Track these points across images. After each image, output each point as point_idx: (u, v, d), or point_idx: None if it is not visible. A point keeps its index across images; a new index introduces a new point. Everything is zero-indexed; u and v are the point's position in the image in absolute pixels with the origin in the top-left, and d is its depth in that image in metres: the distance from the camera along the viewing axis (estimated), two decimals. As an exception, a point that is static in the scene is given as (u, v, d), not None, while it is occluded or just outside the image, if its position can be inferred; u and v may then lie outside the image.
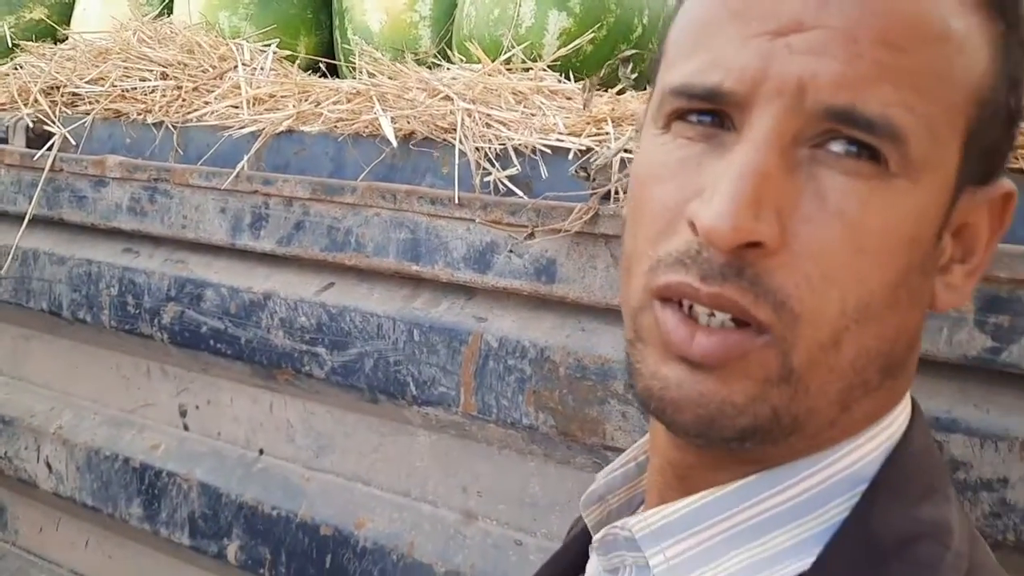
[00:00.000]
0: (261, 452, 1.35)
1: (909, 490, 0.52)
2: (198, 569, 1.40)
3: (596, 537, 0.58)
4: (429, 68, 1.46)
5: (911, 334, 0.52)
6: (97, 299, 1.48)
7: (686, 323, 0.48)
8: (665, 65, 0.53)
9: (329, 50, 1.89)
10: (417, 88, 1.32)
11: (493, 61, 1.36)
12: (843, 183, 0.47)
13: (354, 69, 1.75)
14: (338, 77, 1.79)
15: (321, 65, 1.80)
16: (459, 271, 1.11)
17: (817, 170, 0.47)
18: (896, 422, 0.54)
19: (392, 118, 1.26)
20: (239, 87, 1.53)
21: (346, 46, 1.79)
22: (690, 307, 0.49)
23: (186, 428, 1.44)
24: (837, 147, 0.47)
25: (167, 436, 1.44)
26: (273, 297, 1.28)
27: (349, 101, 1.37)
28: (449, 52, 1.59)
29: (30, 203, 1.55)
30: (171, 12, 1.98)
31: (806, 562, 0.51)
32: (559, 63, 1.38)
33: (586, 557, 0.66)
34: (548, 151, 1.10)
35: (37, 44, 1.91)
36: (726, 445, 0.51)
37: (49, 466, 1.56)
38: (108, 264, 1.47)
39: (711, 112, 0.49)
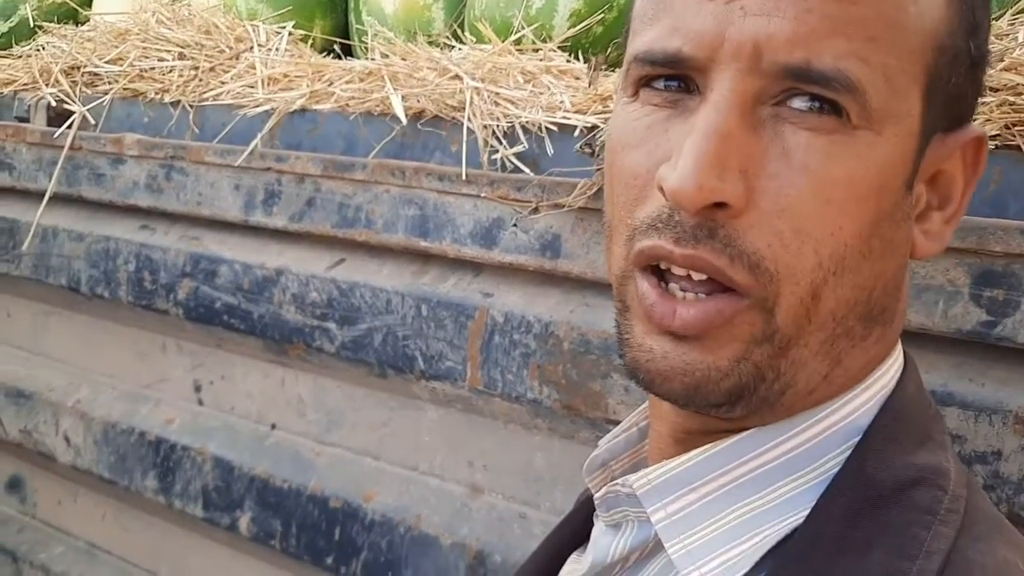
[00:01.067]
0: (273, 426, 1.37)
1: (904, 437, 0.53)
2: (211, 541, 1.43)
3: (598, 495, 0.59)
4: (441, 49, 1.47)
5: (890, 282, 0.53)
6: (115, 275, 1.51)
7: (665, 298, 0.50)
8: (632, 34, 0.54)
9: (344, 32, 1.90)
10: (428, 68, 1.33)
11: (503, 41, 1.37)
12: (806, 138, 0.47)
13: (368, 50, 1.77)
14: (353, 58, 1.81)
15: (336, 47, 1.82)
16: (466, 247, 1.12)
17: (781, 127, 0.48)
18: (888, 373, 0.55)
19: (403, 97, 1.27)
20: (254, 67, 1.55)
21: (360, 27, 1.80)
22: (668, 277, 0.50)
23: (200, 403, 1.47)
24: (798, 103, 0.48)
25: (182, 411, 1.47)
26: (285, 273, 1.30)
27: (361, 81, 1.39)
28: (461, 34, 1.60)
29: (50, 181, 1.58)
30: (190, -5, 2.00)
31: (802, 514, 0.52)
32: (569, 44, 1.39)
33: (591, 524, 0.66)
34: (555, 129, 1.11)
35: (59, 25, 1.94)
36: (715, 410, 0.52)
37: (67, 440, 1.59)
38: (125, 241, 1.49)
39: (675, 77, 0.50)
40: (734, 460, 0.53)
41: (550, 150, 1.10)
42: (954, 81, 0.51)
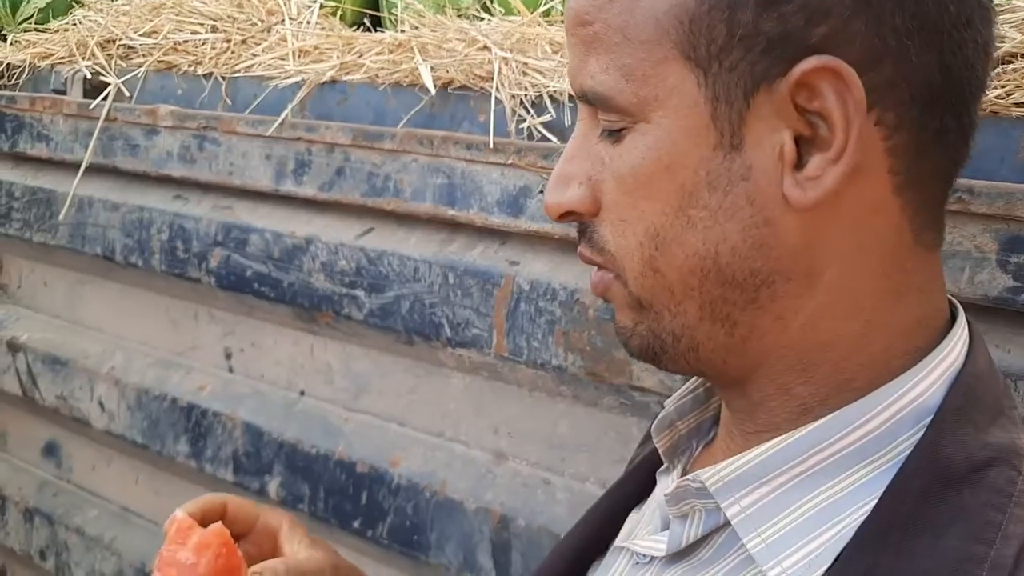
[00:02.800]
0: (302, 393, 1.40)
1: (976, 415, 0.52)
2: (241, 505, 1.45)
3: (667, 491, 0.59)
4: (470, 21, 1.47)
5: (742, 244, 0.52)
6: (148, 244, 1.53)
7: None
8: None
9: (374, 6, 1.91)
10: (457, 39, 1.34)
11: (532, 13, 1.37)
12: (608, 146, 0.56)
13: (397, 23, 1.77)
14: (382, 31, 1.81)
15: (366, 20, 1.83)
16: (493, 215, 1.13)
17: (606, 143, 0.56)
18: (956, 349, 0.54)
19: (431, 67, 1.28)
20: (286, 40, 1.56)
21: (390, 1, 1.81)
22: None
23: (231, 370, 1.49)
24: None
25: (213, 377, 1.50)
26: (315, 241, 1.31)
27: (391, 52, 1.40)
28: (490, 5, 1.60)
29: (86, 151, 1.61)
30: (223, -30, 2.02)
31: (878, 496, 0.51)
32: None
33: (651, 481, 0.68)
34: (582, 98, 1.11)
35: (95, 1, 1.96)
36: (660, 367, 0.59)
37: (102, 405, 1.62)
38: (159, 210, 1.52)
39: None
40: (806, 451, 0.53)
41: (574, 119, 1.11)
42: (743, 32, 0.50)
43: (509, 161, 1.11)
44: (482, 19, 1.50)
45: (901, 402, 0.52)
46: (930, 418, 0.52)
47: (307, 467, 1.33)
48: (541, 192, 1.08)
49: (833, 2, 0.49)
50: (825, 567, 0.51)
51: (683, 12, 0.51)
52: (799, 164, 0.52)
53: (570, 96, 1.12)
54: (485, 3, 1.65)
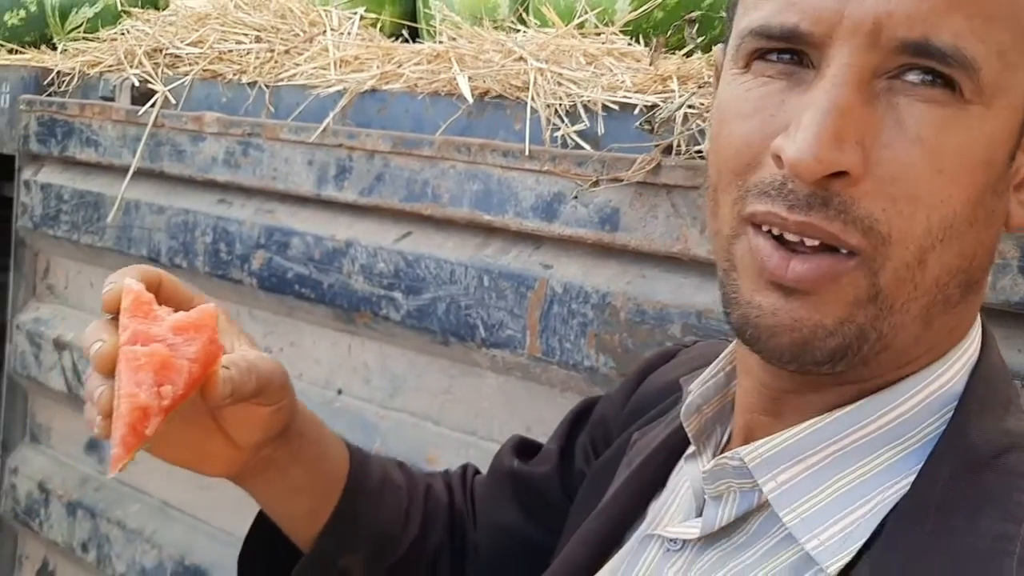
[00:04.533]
0: (340, 391, 1.44)
1: (994, 404, 0.56)
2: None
3: (705, 468, 0.61)
4: (507, 33, 1.52)
5: (988, 252, 0.55)
6: (192, 246, 1.59)
7: (780, 250, 0.52)
8: (743, 8, 0.56)
9: (412, 18, 1.96)
10: (493, 50, 1.38)
11: (567, 25, 1.41)
12: (921, 110, 0.50)
13: (435, 34, 1.82)
14: (421, 42, 1.86)
15: (404, 32, 1.88)
16: (528, 220, 1.17)
17: (895, 99, 0.50)
18: (975, 342, 0.58)
19: (468, 77, 1.32)
20: (327, 50, 1.61)
21: (428, 12, 1.86)
22: (780, 235, 0.52)
23: (271, 369, 1.54)
24: (913, 77, 0.50)
25: (253, 375, 1.54)
26: (354, 245, 1.36)
27: (429, 62, 1.45)
28: (526, 17, 1.64)
29: (134, 156, 1.67)
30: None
31: (907, 480, 0.54)
32: (630, 28, 1.43)
33: (669, 467, 0.70)
34: (616, 107, 1.15)
35: (143, 10, 2.03)
36: (818, 368, 0.54)
37: (145, 401, 1.67)
38: (203, 213, 1.57)
39: (789, 51, 0.53)
40: (843, 431, 0.56)
41: (610, 129, 1.14)
42: None
43: (544, 168, 1.15)
44: (518, 31, 1.54)
45: (929, 389, 0.56)
46: (954, 404, 0.56)
47: (344, 463, 1.37)
48: (575, 198, 1.11)
49: None
50: (861, 542, 0.54)
51: None
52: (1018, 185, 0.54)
53: (604, 106, 1.16)
54: (521, 15, 1.69)
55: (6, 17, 2.60)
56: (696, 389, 0.66)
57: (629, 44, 1.34)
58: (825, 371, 0.54)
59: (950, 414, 0.56)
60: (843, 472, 0.56)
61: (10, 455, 1.97)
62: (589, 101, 1.19)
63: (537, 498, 0.86)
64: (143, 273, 0.70)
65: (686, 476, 0.66)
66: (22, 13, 2.61)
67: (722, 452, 0.64)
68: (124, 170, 1.70)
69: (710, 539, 0.61)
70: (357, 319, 1.36)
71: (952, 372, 0.56)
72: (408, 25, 1.89)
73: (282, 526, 0.83)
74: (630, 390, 0.83)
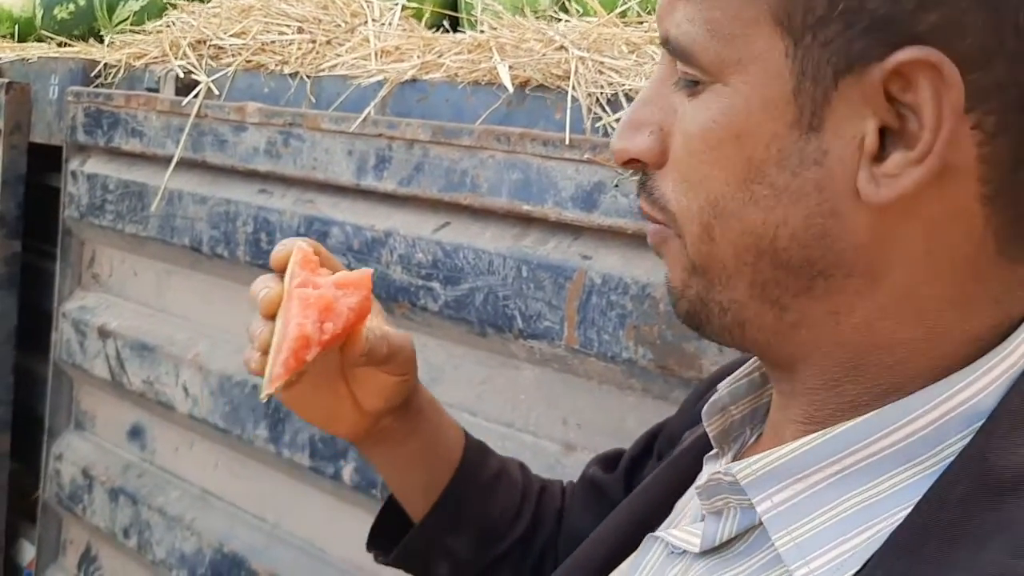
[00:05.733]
0: (377, 382, 1.44)
1: None
2: (315, 488, 1.50)
3: (699, 482, 0.58)
4: (548, 22, 1.50)
5: (806, 230, 0.50)
6: (234, 236, 1.59)
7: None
8: None
9: (453, 7, 1.96)
10: (534, 39, 1.37)
11: (609, 14, 1.40)
12: (682, 100, 0.53)
13: (476, 24, 1.81)
14: (462, 32, 1.86)
15: (445, 22, 1.87)
16: (567, 210, 1.16)
17: (681, 94, 0.54)
18: (1019, 350, 0.50)
19: (509, 66, 1.31)
20: (368, 40, 1.61)
21: (469, 1, 1.85)
22: None
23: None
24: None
25: (292, 365, 1.55)
26: (393, 235, 1.35)
27: (470, 52, 1.44)
28: (569, 6, 1.63)
29: (177, 146, 1.68)
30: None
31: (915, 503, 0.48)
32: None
33: (698, 466, 0.66)
34: (658, 96, 1.13)
35: (188, 2, 2.05)
36: (702, 335, 0.57)
37: (186, 390, 1.69)
38: (245, 203, 1.58)
39: None
40: (845, 448, 0.50)
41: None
42: (846, 6, 0.46)
43: (584, 157, 1.14)
44: (559, 20, 1.53)
45: (951, 403, 0.49)
46: (982, 422, 0.49)
47: (380, 453, 1.36)
48: (616, 187, 1.10)
49: None
50: (853, 571, 0.48)
51: None
52: (879, 157, 0.48)
53: (645, 94, 1.14)
54: (564, 4, 1.68)
55: (56, 11, 2.65)
56: (724, 387, 0.63)
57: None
58: (716, 340, 0.56)
59: (975, 432, 0.48)
60: (849, 493, 0.50)
61: (55, 441, 2.00)
62: (631, 90, 1.18)
63: (609, 506, 0.85)
64: (307, 241, 0.79)
65: (704, 477, 0.63)
66: (71, 7, 2.65)
67: (743, 457, 0.60)
68: (168, 160, 1.72)
69: (711, 556, 0.57)
70: (395, 309, 1.36)
71: (984, 383, 0.49)
72: (449, 15, 1.89)
73: (400, 498, 0.89)
74: (701, 392, 0.80)
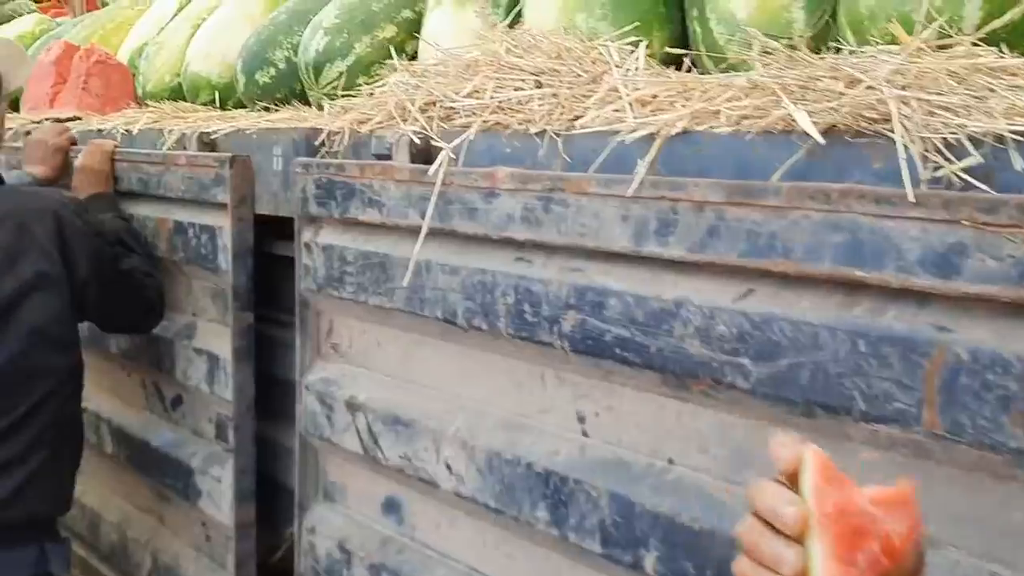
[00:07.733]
0: (671, 461, 1.33)
1: None
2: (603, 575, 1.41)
3: None
4: (826, 52, 1.37)
5: None
6: (493, 307, 1.52)
7: None
8: None
9: (681, 43, 1.83)
10: (826, 76, 1.24)
11: (910, 39, 1.24)
12: None
13: (717, 62, 1.69)
14: (697, 70, 1.73)
15: (683, 60, 1.75)
16: (915, 276, 1.02)
17: None
18: None
19: (809, 112, 1.18)
20: (616, 90, 1.51)
21: (706, 35, 1.72)
22: None
23: (585, 434, 1.45)
24: None
25: (567, 442, 1.46)
26: (685, 305, 1.25)
27: (746, 96, 1.32)
28: (837, 33, 1.48)
29: (421, 216, 1.63)
30: (517, 19, 2.01)
31: None
32: (985, 35, 1.24)
33: None
34: (1020, 138, 0.98)
35: (406, 63, 2.01)
36: None
37: (449, 467, 1.63)
38: (503, 273, 1.51)
39: None
40: None
41: (1017, 163, 0.98)
42: None
43: (935, 216, 1.00)
44: (839, 50, 1.38)
45: None
46: None
47: (688, 542, 1.26)
48: (983, 251, 0.95)
49: None
50: None
51: None
52: None
53: (1000, 137, 0.99)
54: (827, 27, 1.53)
55: (257, 75, 2.68)
56: None
57: (1001, 56, 1.16)
58: None
59: None
60: None
61: (306, 514, 1.99)
62: (977, 133, 1.03)
63: None
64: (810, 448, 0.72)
65: None
66: (272, 71, 2.69)
67: None
68: (408, 230, 1.67)
69: None
70: (693, 386, 1.25)
71: None
72: (684, 53, 1.76)
73: None
74: None
